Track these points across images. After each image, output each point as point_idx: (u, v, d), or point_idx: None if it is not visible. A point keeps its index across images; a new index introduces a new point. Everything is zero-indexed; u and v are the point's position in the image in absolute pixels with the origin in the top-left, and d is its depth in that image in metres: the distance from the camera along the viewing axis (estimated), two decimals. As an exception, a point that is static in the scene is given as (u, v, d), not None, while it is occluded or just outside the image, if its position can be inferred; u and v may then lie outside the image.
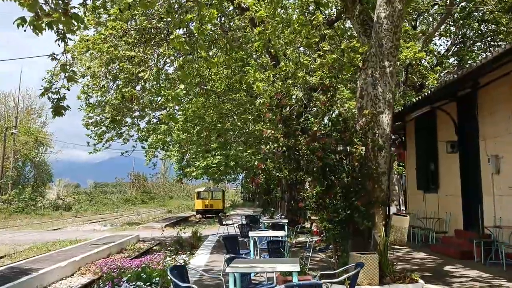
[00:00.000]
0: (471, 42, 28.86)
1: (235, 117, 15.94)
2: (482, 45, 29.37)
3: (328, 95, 8.42)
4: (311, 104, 10.57)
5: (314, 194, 7.70)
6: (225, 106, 15.80)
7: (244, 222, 19.65)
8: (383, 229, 8.40)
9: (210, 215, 42.65)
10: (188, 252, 17.97)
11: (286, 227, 15.65)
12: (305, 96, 12.42)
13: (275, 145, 8.37)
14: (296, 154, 8.34)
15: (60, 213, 50.51)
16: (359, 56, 8.61)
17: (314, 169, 7.87)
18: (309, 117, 11.15)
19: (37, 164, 63.47)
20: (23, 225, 37.44)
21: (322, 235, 8.71)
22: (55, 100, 9.69)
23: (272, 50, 13.44)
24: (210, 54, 16.73)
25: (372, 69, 8.51)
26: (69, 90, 11.62)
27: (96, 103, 17.32)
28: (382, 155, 8.42)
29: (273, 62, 13.60)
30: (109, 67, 15.76)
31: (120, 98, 15.66)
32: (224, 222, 22.01)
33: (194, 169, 16.56)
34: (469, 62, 25.43)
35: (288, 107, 8.83)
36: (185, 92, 14.80)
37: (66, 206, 57.59)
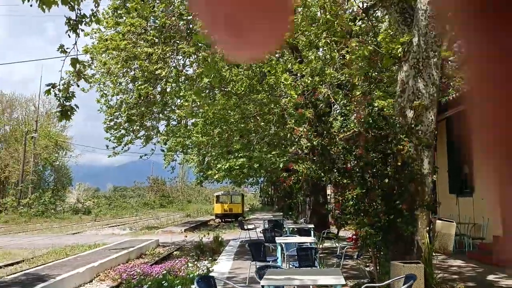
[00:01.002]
0: None
1: (258, 117, 15.28)
2: None
3: (366, 91, 7.69)
4: (340, 103, 9.85)
5: (354, 196, 6.98)
6: (247, 106, 15.15)
7: (267, 226, 18.96)
8: (427, 235, 7.63)
9: (230, 219, 42.00)
10: (210, 258, 17.35)
11: (312, 232, 14.93)
12: (332, 94, 11.70)
13: (308, 144, 7.68)
14: (332, 154, 7.65)
15: (80, 217, 50.48)
16: (399, 46, 7.88)
17: (353, 170, 7.15)
18: (338, 116, 10.38)
19: (57, 168, 63.68)
20: (43, 229, 37.32)
21: (358, 242, 7.98)
22: (63, 99, 9.14)
23: (297, 44, 12.74)
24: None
25: (415, 61, 7.78)
26: (78, 86, 11.09)
27: (115, 105, 16.83)
28: (426, 154, 7.67)
29: (298, 59, 12.93)
30: (126, 65, 15.30)
31: (137, 97, 15.16)
32: (245, 227, 21.34)
33: (216, 172, 15.93)
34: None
35: (321, 104, 8.14)
36: (206, 91, 14.21)
37: (85, 210, 57.60)
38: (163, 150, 22.95)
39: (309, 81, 8.91)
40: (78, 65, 18.44)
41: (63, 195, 60.80)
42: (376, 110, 7.41)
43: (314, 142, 7.49)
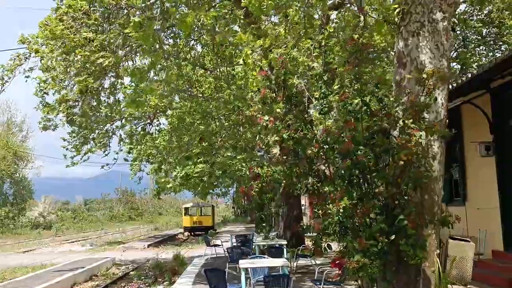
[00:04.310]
0: (473, 45, 26.33)
1: (221, 117, 13.25)
2: (485, 48, 26.89)
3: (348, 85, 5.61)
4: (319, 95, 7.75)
5: (341, 210, 4.89)
6: (209, 104, 13.11)
7: (234, 242, 16.74)
8: (438, 261, 5.60)
9: (199, 232, 39.59)
10: (167, 282, 15.06)
11: (285, 250, 12.81)
12: (307, 86, 9.64)
13: (276, 138, 5.57)
14: (308, 151, 5.56)
15: (39, 232, 47.11)
16: (395, 6, 5.88)
17: (338, 172, 5.10)
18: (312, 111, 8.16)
19: (16, 181, 59.89)
20: (-8, 246, 34.15)
21: (342, 269, 5.90)
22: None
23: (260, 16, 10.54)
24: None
25: (417, 25, 5.79)
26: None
27: (54, 102, 14.42)
28: (435, 150, 5.66)
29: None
30: (66, 56, 12.95)
31: (78, 92, 12.84)
32: (212, 243, 19.07)
33: (171, 180, 13.75)
34: (473, 65, 22.88)
35: (294, 85, 6.06)
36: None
37: (46, 225, 54.14)
38: (126, 160, 20.73)
39: (278, 54, 6.74)
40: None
41: (23, 209, 57.05)
42: (368, 87, 5.40)
43: (284, 135, 5.38)
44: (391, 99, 5.55)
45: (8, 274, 18.04)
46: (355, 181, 5.33)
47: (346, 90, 5.68)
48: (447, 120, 5.78)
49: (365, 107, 5.25)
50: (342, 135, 5.23)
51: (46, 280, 14.27)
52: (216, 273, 8.51)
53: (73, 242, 37.36)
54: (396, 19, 5.94)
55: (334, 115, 5.86)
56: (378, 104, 5.41)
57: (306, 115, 5.68)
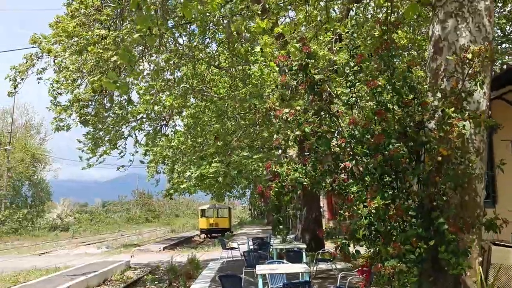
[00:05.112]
0: (495, 43, 25.09)
1: (237, 115, 12.71)
2: (509, 46, 25.68)
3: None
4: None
5: (372, 211, 4.29)
6: (224, 103, 12.59)
7: (251, 245, 16.16)
8: (481, 269, 4.98)
9: (216, 235, 39.13)
10: (182, 286, 14.57)
11: (304, 254, 12.22)
12: (328, 82, 9.04)
13: (298, 133, 5.01)
14: (333, 147, 4.99)
15: (56, 235, 47.10)
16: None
17: (368, 170, 4.51)
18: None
19: (35, 183, 60.20)
20: (9, 248, 34.10)
21: (369, 276, 5.30)
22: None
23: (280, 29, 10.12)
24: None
25: (456, 5, 5.18)
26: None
27: (67, 102, 14.08)
28: (477, 145, 5.03)
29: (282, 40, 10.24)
30: (78, 55, 12.58)
31: (91, 91, 12.44)
32: (228, 245, 18.53)
33: (185, 180, 13.26)
34: (496, 63, 21.71)
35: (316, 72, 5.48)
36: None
37: (64, 227, 54.21)
38: (142, 162, 20.38)
39: (296, 50, 6.17)
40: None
41: (41, 211, 57.28)
42: (400, 71, 4.79)
43: (306, 129, 4.81)
44: (425, 86, 4.94)
45: (21, 277, 17.74)
46: (386, 179, 4.74)
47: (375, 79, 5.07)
48: (490, 112, 5.16)
49: (397, 96, 4.66)
50: (371, 127, 4.64)
51: (57, 285, 13.88)
52: (231, 280, 7.97)
53: (89, 244, 37.19)
54: (431, 0, 5.34)
55: (362, 105, 5.28)
56: (410, 92, 4.81)
57: (330, 106, 5.09)
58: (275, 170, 4.89)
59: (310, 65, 4.98)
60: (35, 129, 65.62)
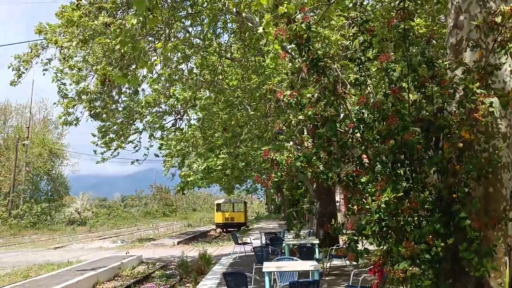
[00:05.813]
0: None
1: (247, 106, 12.21)
2: None
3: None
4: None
5: (382, 205, 3.76)
6: (234, 93, 12.11)
7: (263, 241, 15.68)
8: (508, 271, 4.41)
9: (232, 229, 38.82)
10: (193, 282, 14.21)
11: (317, 250, 11.71)
12: (341, 70, 8.50)
13: (301, 117, 4.49)
14: (341, 132, 4.46)
15: (73, 229, 47.35)
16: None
17: (379, 158, 3.98)
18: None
19: (53, 177, 60.74)
20: (26, 242, 34.25)
21: (382, 275, 4.77)
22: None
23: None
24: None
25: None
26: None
27: (75, 96, 13.74)
28: (502, 131, 4.45)
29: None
30: (84, 45, 12.21)
31: (99, 83, 12.07)
32: (240, 241, 18.11)
33: (192, 173, 12.87)
34: None
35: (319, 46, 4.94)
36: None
37: (82, 221, 54.56)
38: (156, 155, 20.11)
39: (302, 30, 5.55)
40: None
41: (59, 205, 57.73)
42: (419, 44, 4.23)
43: (309, 112, 4.28)
44: (445, 63, 4.36)
45: (33, 271, 17.61)
46: (399, 169, 4.20)
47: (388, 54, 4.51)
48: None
49: (413, 74, 4.10)
50: (383, 107, 4.09)
51: (65, 280, 13.62)
52: (236, 277, 7.51)
53: (105, 238, 37.20)
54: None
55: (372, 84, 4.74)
56: (428, 70, 4.24)
57: (336, 85, 4.55)
58: (273, 158, 4.39)
59: (311, 38, 4.43)
60: (53, 124, 66.13)
